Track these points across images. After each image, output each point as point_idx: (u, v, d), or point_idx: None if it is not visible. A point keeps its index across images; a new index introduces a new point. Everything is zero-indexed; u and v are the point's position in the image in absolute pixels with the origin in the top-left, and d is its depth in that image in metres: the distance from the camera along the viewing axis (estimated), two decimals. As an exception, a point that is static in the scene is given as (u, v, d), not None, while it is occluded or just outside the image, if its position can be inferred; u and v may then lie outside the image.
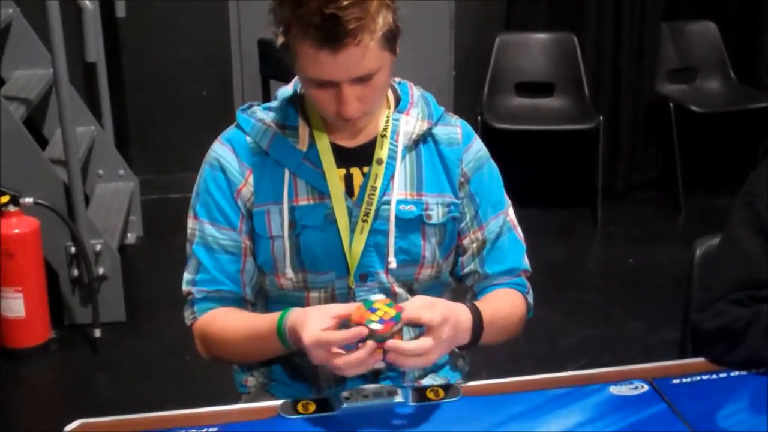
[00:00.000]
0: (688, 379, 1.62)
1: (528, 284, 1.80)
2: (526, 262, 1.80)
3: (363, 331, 1.44)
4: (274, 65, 4.27)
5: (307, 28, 1.47)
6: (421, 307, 1.51)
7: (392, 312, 1.47)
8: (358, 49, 1.49)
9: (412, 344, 1.47)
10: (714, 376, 1.63)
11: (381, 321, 1.45)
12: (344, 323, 1.48)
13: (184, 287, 1.71)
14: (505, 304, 1.73)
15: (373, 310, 1.47)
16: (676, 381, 1.61)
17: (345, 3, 1.45)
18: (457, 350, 1.60)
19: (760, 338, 1.62)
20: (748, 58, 5.09)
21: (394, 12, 1.54)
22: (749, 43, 5.09)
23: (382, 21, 1.50)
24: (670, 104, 4.82)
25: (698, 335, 1.75)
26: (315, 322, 1.48)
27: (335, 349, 1.45)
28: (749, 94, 4.89)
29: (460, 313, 1.56)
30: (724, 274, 1.75)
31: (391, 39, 1.54)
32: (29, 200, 3.34)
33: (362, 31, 1.47)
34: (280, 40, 1.54)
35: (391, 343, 1.45)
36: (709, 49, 5.04)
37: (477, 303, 1.63)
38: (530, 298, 1.80)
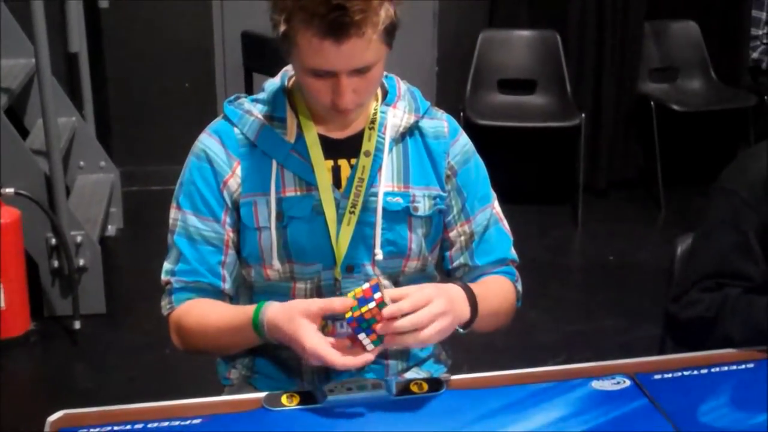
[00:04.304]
0: (670, 375, 1.63)
1: (517, 273, 1.82)
2: (513, 253, 1.82)
3: (369, 357, 1.47)
4: (258, 57, 4.26)
5: (311, 18, 1.47)
6: (407, 286, 1.54)
7: (367, 286, 1.47)
8: (361, 41, 1.49)
9: (405, 319, 1.47)
10: (695, 372, 1.64)
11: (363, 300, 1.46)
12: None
13: (163, 277, 1.70)
14: (494, 287, 1.74)
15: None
16: (657, 376, 1.62)
17: None
18: (461, 330, 1.60)
19: (729, 323, 1.76)
20: (729, 58, 5.12)
21: (395, 6, 1.54)
22: (730, 43, 5.12)
23: (385, 14, 1.51)
24: (652, 103, 4.85)
25: (675, 325, 1.88)
26: (309, 328, 1.48)
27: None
28: (730, 94, 4.92)
29: (451, 289, 1.57)
30: (696, 265, 1.86)
31: (390, 32, 1.55)
32: (10, 190, 3.32)
33: (366, 23, 1.48)
34: (281, 28, 1.52)
35: (388, 310, 1.45)
36: (690, 49, 5.07)
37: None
38: (519, 287, 1.82)
